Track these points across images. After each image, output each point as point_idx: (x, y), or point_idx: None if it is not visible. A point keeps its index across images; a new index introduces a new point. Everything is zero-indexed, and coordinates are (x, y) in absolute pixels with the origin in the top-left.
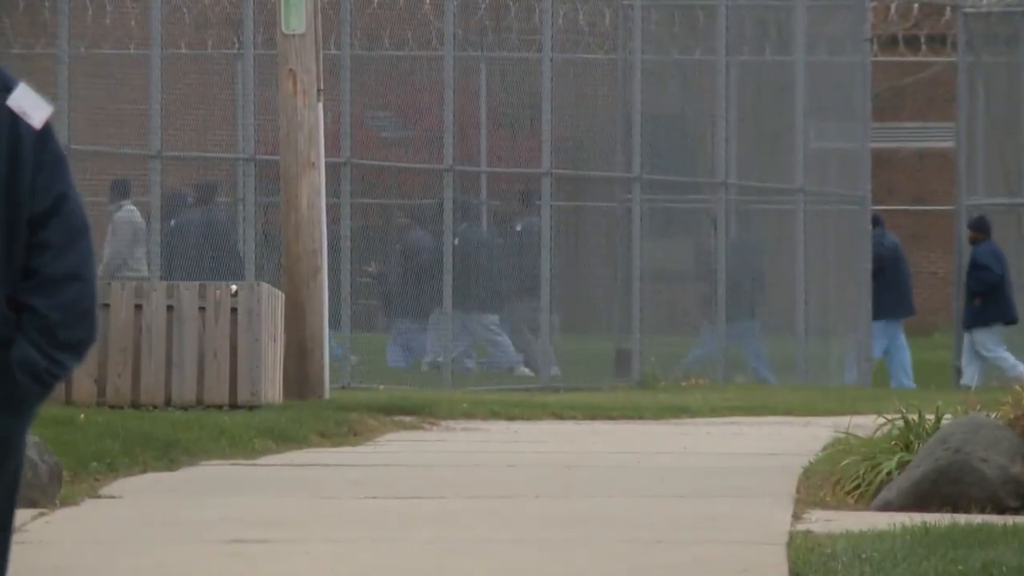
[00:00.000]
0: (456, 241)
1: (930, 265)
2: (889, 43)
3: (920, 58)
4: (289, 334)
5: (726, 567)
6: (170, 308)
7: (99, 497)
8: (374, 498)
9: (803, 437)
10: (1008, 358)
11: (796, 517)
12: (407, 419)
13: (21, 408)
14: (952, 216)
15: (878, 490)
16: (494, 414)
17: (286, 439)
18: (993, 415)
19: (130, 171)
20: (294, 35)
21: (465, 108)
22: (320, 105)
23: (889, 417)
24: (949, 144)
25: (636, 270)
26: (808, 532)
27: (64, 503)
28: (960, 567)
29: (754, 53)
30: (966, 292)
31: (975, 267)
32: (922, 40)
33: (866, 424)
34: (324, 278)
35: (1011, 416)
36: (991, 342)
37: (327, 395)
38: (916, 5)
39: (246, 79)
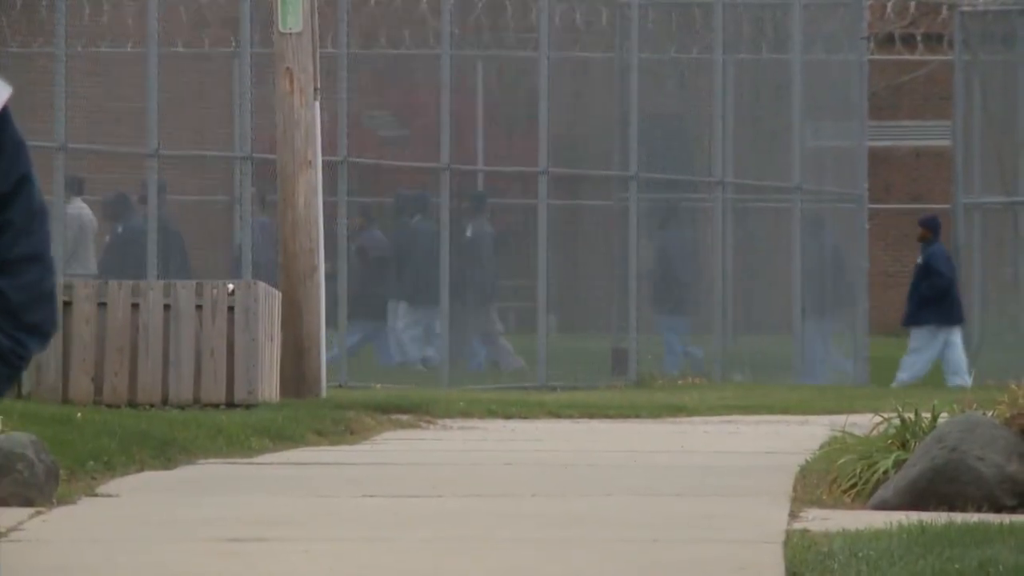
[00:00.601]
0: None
1: None
2: (886, 41)
3: (917, 56)
4: (286, 333)
5: (723, 566)
6: (167, 307)
7: (96, 496)
8: (371, 497)
9: (800, 436)
10: (926, 361)
11: (793, 516)
12: (404, 418)
13: None
14: (949, 214)
15: (875, 489)
16: (491, 413)
17: (283, 438)
18: (989, 414)
19: (128, 170)
20: (291, 34)
21: (462, 107)
22: (317, 104)
23: (886, 416)
24: (946, 142)
25: (633, 269)
26: (805, 531)
27: (61, 502)
28: (956, 566)
29: (751, 52)
30: (915, 296)
31: (929, 272)
32: (919, 38)
33: (863, 423)
34: (321, 277)
35: (1007, 415)
36: (921, 340)
37: (324, 394)
38: (913, 3)
39: (243, 78)
